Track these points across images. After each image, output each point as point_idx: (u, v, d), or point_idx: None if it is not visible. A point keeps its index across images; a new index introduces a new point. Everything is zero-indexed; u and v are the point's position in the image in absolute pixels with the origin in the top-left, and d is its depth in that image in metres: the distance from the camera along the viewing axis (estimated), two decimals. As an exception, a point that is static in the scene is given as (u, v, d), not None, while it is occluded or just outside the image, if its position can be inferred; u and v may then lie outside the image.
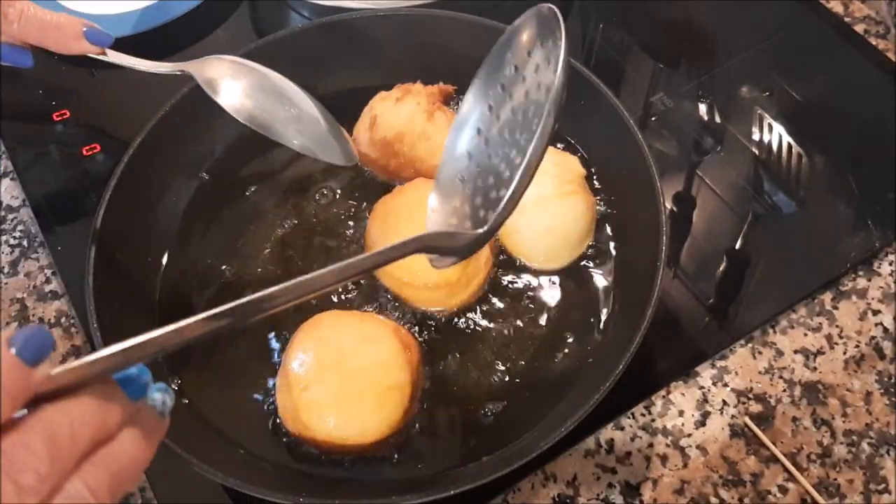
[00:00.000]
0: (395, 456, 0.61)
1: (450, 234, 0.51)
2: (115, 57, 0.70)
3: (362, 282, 0.69)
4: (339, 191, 0.75)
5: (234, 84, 0.68)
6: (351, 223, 0.73)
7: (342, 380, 0.59)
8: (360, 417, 0.59)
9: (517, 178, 0.47)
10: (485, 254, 0.67)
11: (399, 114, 0.72)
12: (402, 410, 0.60)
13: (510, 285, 0.69)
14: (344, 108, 0.79)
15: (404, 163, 0.72)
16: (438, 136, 0.72)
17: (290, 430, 0.61)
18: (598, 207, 0.72)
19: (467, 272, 0.65)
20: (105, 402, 0.34)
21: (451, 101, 0.77)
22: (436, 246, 0.49)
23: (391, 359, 0.60)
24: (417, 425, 0.62)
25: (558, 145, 0.76)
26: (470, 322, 0.67)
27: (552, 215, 0.67)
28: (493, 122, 0.53)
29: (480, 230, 0.49)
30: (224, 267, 0.71)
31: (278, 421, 0.62)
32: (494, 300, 0.68)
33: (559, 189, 0.67)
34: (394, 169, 0.73)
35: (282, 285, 0.38)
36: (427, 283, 0.65)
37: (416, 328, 0.66)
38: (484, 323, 0.67)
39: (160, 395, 0.37)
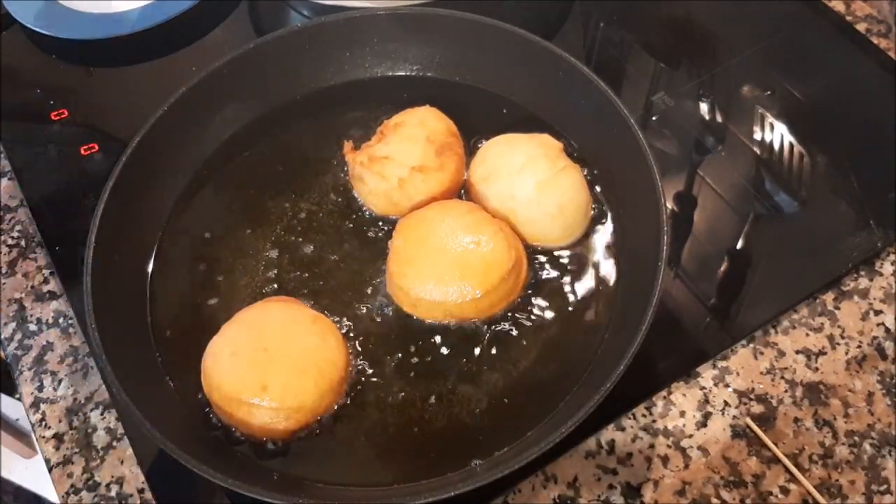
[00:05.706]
0: (395, 457, 0.61)
1: None
2: None
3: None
4: (332, 195, 0.75)
5: None
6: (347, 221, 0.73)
7: (272, 350, 0.61)
8: (289, 379, 0.60)
9: None
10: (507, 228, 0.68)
11: (409, 145, 0.71)
12: (330, 380, 0.61)
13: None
14: (344, 105, 0.79)
15: (456, 147, 0.73)
16: (418, 117, 0.73)
17: (220, 414, 0.61)
18: (598, 207, 0.72)
19: (513, 245, 0.66)
20: None
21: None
22: None
23: (309, 331, 0.63)
24: (417, 426, 0.62)
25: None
26: (470, 324, 0.66)
27: (558, 194, 0.68)
28: None
29: None
30: (217, 266, 0.71)
31: (207, 411, 0.62)
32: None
33: (552, 167, 0.69)
34: (461, 163, 0.74)
35: None
36: (502, 275, 0.64)
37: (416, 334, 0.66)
38: (484, 325, 0.67)
39: None
